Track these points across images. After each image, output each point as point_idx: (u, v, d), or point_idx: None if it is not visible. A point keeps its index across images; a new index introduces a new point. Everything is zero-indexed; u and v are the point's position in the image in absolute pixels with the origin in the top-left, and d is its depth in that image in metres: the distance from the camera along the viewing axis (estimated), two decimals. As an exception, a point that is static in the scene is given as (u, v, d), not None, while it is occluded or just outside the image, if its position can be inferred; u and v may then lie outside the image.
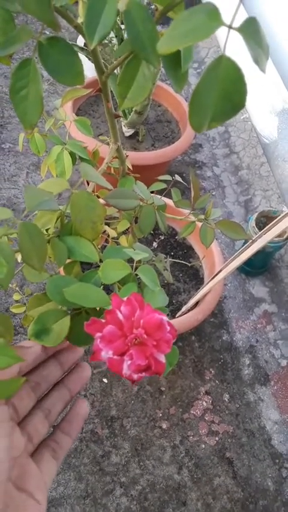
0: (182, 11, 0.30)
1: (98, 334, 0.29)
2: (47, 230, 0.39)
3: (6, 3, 0.29)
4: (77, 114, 1.31)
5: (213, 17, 0.21)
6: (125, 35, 1.48)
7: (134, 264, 0.39)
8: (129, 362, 0.28)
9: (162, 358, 0.29)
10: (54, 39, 0.29)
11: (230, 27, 0.21)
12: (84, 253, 0.38)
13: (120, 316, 0.29)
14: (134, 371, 0.28)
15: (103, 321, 0.30)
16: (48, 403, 0.34)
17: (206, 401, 1.08)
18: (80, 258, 0.38)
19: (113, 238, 0.64)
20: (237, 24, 0.22)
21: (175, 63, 0.29)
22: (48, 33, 0.29)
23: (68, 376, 0.36)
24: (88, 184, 0.49)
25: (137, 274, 0.39)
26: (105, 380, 1.05)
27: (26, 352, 0.31)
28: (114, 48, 1.10)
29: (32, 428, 0.32)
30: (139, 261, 0.40)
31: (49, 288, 0.34)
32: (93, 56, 0.37)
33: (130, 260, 0.39)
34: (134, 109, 1.19)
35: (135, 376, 0.29)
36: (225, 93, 0.22)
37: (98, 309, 0.37)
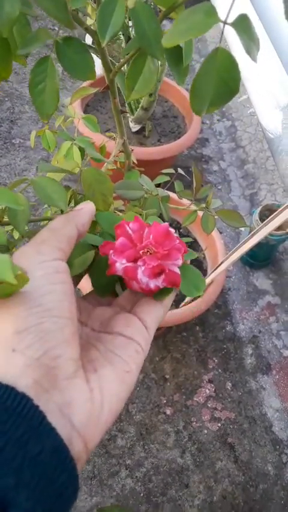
0: (183, 11, 0.33)
1: (111, 251, 0.31)
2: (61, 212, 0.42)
3: (26, 8, 0.32)
4: (85, 111, 1.34)
5: (210, 14, 0.24)
6: (132, 33, 1.51)
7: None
8: (143, 267, 0.29)
9: (176, 269, 0.30)
10: (69, 39, 0.32)
11: (225, 22, 0.24)
12: None
13: (129, 230, 0.31)
14: (149, 275, 0.29)
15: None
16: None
17: (209, 389, 1.12)
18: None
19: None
20: (231, 20, 0.25)
21: (177, 58, 0.32)
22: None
23: None
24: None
25: None
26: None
27: (78, 214, 0.32)
28: (122, 45, 1.13)
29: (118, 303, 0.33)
30: None
31: None
32: (101, 55, 0.40)
33: None
34: (140, 105, 1.21)
35: (151, 284, 0.29)
36: (222, 80, 0.25)
37: None
